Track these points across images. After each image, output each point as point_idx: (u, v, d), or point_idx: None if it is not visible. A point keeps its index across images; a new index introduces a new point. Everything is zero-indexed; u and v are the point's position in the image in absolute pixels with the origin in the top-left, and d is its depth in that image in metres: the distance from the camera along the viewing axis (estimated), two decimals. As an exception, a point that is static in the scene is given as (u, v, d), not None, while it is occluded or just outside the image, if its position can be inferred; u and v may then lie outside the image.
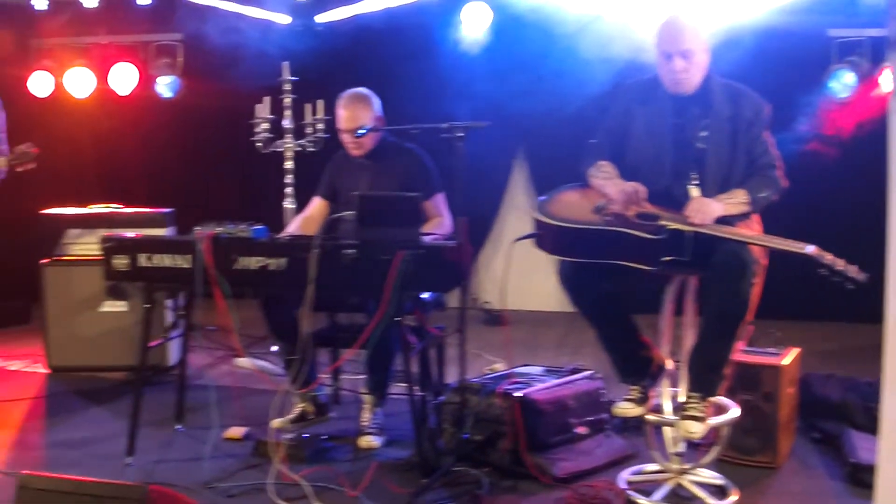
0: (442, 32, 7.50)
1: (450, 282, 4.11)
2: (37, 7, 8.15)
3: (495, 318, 7.62)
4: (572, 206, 3.98)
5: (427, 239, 4.11)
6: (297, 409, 4.64)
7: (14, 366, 6.60)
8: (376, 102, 4.90)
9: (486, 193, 7.94)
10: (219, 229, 4.12)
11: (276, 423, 4.50)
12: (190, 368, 5.11)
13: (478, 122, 4.34)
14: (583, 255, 3.86)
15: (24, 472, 3.23)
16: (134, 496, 2.99)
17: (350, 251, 3.92)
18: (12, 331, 7.73)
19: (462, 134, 4.20)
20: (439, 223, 4.74)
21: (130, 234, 4.54)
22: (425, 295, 4.49)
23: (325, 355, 4.94)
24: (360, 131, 4.63)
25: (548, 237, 3.92)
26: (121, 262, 4.31)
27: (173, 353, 6.15)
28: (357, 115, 4.79)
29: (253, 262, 4.06)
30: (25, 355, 6.84)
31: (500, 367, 5.77)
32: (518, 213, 8.20)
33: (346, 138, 4.86)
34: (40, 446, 4.83)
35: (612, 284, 3.91)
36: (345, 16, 7.58)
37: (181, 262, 4.18)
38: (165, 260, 4.22)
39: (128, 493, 3.02)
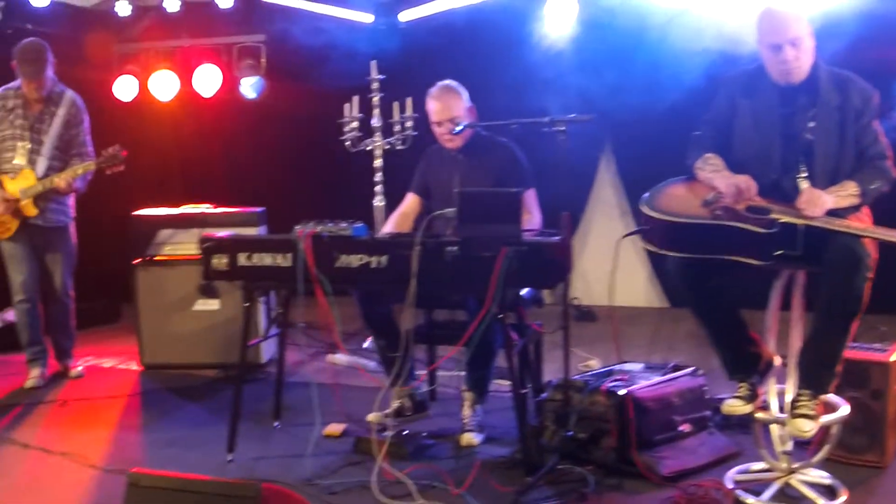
0: (528, 26, 7.44)
1: (552, 278, 4.04)
2: (120, 13, 8.29)
3: (585, 315, 7.53)
4: (680, 199, 3.90)
5: (529, 235, 4.05)
6: (395, 404, 4.62)
7: (107, 363, 6.70)
8: (466, 94, 4.87)
9: (573, 189, 7.85)
10: (319, 228, 4.11)
11: (372, 416, 4.48)
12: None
13: (569, 116, 4.26)
14: (692, 250, 3.77)
15: (133, 469, 3.23)
16: (248, 494, 2.97)
17: (452, 248, 3.88)
18: (102, 329, 7.86)
19: (563, 128, 4.12)
20: (529, 220, 4.68)
21: (227, 233, 4.56)
22: (523, 291, 4.45)
23: (421, 352, 4.92)
24: (457, 128, 4.59)
25: (656, 232, 3.84)
26: (220, 261, 4.33)
27: (266, 350, 6.21)
28: (449, 105, 4.78)
29: (354, 260, 4.04)
30: (117, 353, 6.95)
31: (594, 363, 5.72)
32: (605, 208, 8.10)
33: (439, 131, 4.83)
34: (139, 443, 4.89)
35: (721, 279, 3.82)
36: (428, 13, 7.57)
37: (281, 260, 4.18)
38: (266, 259, 4.23)
39: (242, 492, 2.99)
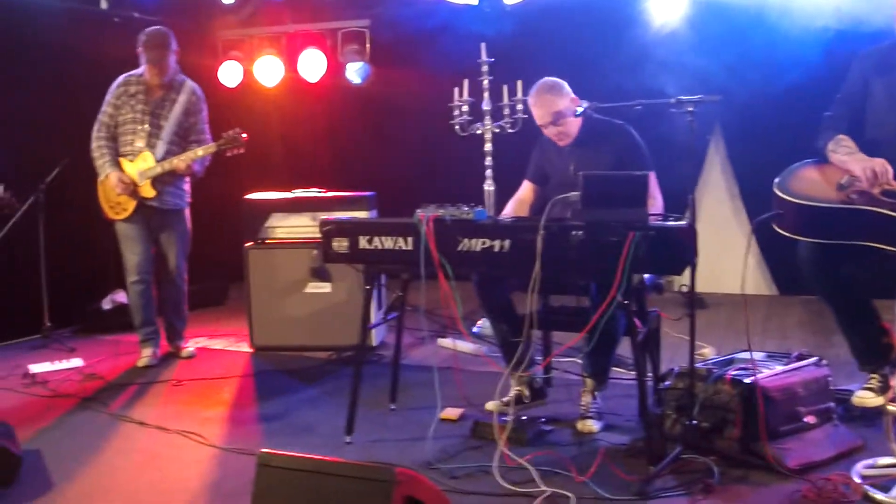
0: (639, 5, 7.33)
1: (679, 264, 3.93)
2: (225, 0, 8.38)
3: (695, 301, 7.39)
4: (813, 183, 3.79)
5: (655, 219, 3.97)
6: (513, 391, 4.59)
7: (217, 345, 6.82)
8: (564, 87, 4.75)
9: (683, 172, 7.73)
10: (441, 211, 4.08)
11: (491, 405, 4.46)
12: (392, 348, 5.12)
13: (695, 96, 4.13)
14: (825, 235, 3.67)
15: (263, 450, 3.25)
16: (382, 478, 2.96)
17: (577, 232, 3.82)
18: (211, 311, 8.03)
19: (692, 108, 4.01)
20: (651, 203, 4.58)
21: (347, 217, 4.57)
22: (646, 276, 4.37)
23: (536, 337, 4.87)
24: (578, 111, 4.50)
25: (788, 216, 3.74)
26: (340, 244, 4.35)
27: (377, 333, 6.24)
28: (548, 106, 4.69)
29: (476, 244, 4.01)
30: (227, 334, 7.09)
31: (707, 351, 5.60)
32: (714, 191, 7.95)
33: (548, 132, 4.77)
34: (255, 424, 4.93)
35: (854, 267, 3.71)
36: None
37: (403, 244, 4.17)
38: (387, 242, 4.22)
39: (376, 475, 2.98)
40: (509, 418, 4.16)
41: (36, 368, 6.10)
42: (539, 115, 4.73)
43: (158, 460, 4.38)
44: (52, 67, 7.56)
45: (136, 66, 6.24)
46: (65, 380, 5.87)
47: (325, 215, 4.97)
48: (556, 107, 4.68)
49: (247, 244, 6.48)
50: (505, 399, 4.52)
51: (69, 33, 7.58)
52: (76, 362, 6.29)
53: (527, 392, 4.60)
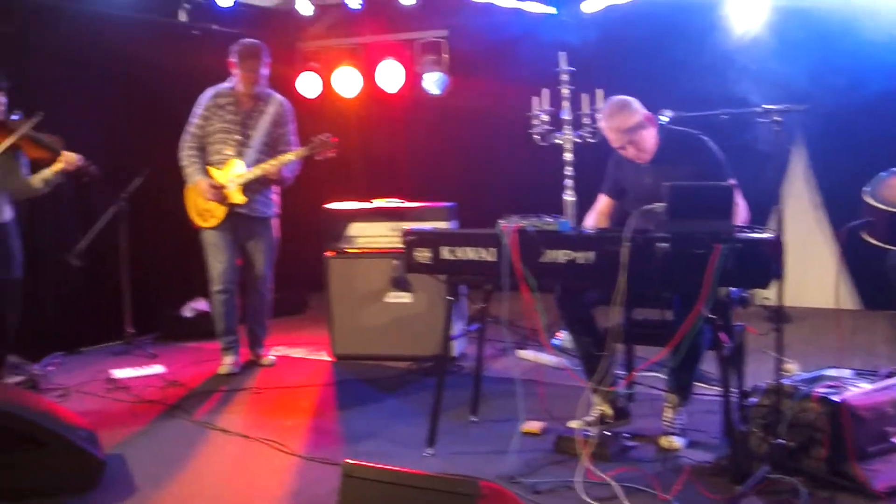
0: (719, 12, 7.23)
1: (766, 277, 3.84)
2: (302, 12, 8.50)
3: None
4: (906, 191, 3.68)
5: (742, 231, 3.90)
6: (596, 411, 4.52)
7: (297, 353, 6.87)
8: (633, 104, 4.61)
9: (764, 181, 7.60)
10: (524, 222, 4.06)
11: (574, 423, 4.41)
12: (472, 360, 5.10)
13: (782, 105, 4.05)
14: (921, 244, 3.55)
15: (347, 461, 3.26)
16: (467, 491, 2.96)
17: (663, 244, 3.76)
18: (291, 320, 8.10)
19: (780, 118, 3.93)
20: (735, 211, 4.48)
21: (429, 227, 4.58)
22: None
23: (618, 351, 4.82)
24: (663, 120, 4.43)
25: (880, 225, 3.64)
26: (423, 254, 4.35)
27: (457, 344, 6.24)
28: (620, 128, 4.56)
29: (560, 256, 3.98)
30: (306, 343, 7.15)
31: (792, 367, 5.47)
32: (796, 202, 7.78)
33: (626, 153, 4.66)
34: (336, 433, 4.96)
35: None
36: (611, 2, 7.45)
37: (486, 255, 4.16)
38: (469, 253, 4.22)
39: (460, 488, 2.98)
40: (592, 433, 4.12)
41: (118, 374, 6.24)
42: (613, 139, 4.62)
43: (241, 468, 4.42)
44: (133, 79, 7.71)
45: (216, 77, 6.36)
46: (147, 386, 5.98)
47: (405, 225, 4.98)
48: (629, 125, 4.55)
49: (327, 253, 6.53)
50: (588, 419, 4.46)
51: (149, 46, 7.73)
52: (158, 369, 6.42)
53: (610, 412, 4.53)
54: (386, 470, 3.18)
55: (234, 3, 7.75)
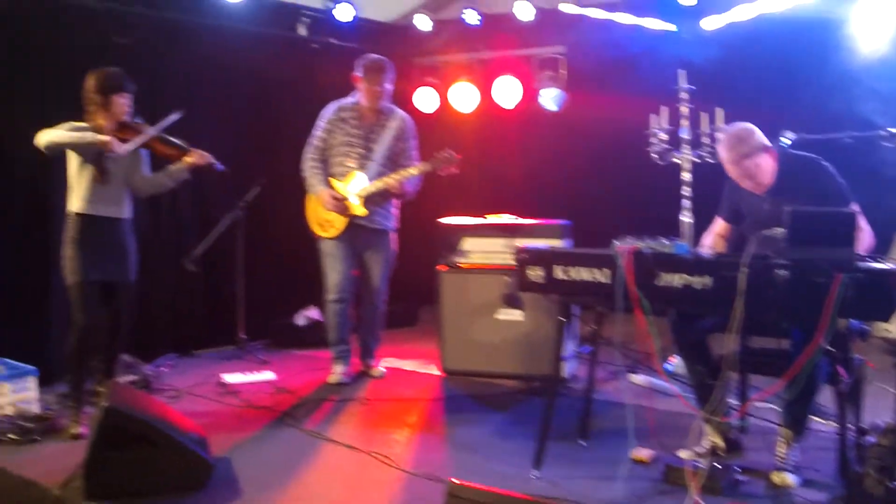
0: (842, 31, 6.99)
1: (888, 309, 3.64)
2: (420, 27, 8.55)
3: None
4: None
5: (864, 261, 3.75)
6: (707, 442, 4.40)
7: (408, 366, 6.89)
8: (754, 134, 4.45)
9: (888, 207, 7.33)
10: (640, 244, 3.98)
11: (684, 454, 4.30)
12: (582, 381, 5.02)
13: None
14: None
15: (452, 479, 3.25)
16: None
17: (782, 272, 3.64)
18: (402, 331, 8.15)
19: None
20: (858, 235, 4.30)
21: (543, 245, 4.53)
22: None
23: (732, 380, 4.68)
24: (784, 140, 4.28)
25: None
26: (535, 273, 4.29)
27: (568, 365, 6.16)
28: (739, 159, 4.42)
29: (676, 279, 3.88)
30: (417, 356, 7.17)
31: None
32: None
33: (745, 185, 4.53)
34: (443, 449, 4.94)
35: None
36: (732, 20, 7.29)
37: (600, 276, 4.08)
38: (583, 273, 4.14)
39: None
40: (702, 464, 4.00)
41: (229, 378, 6.37)
42: (731, 171, 4.51)
43: (346, 479, 4.45)
44: (252, 91, 7.92)
45: (334, 90, 6.46)
46: (257, 391, 6.09)
47: (518, 241, 4.93)
48: (747, 159, 4.41)
49: (440, 267, 6.54)
50: (698, 449, 4.34)
51: (269, 59, 7.91)
52: (268, 375, 6.52)
53: (722, 444, 4.40)
54: (491, 492, 3.15)
55: (354, 17, 7.84)
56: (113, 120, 5.18)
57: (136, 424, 4.19)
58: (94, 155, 5.10)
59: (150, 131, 5.26)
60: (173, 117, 5.32)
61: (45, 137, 5.03)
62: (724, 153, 4.48)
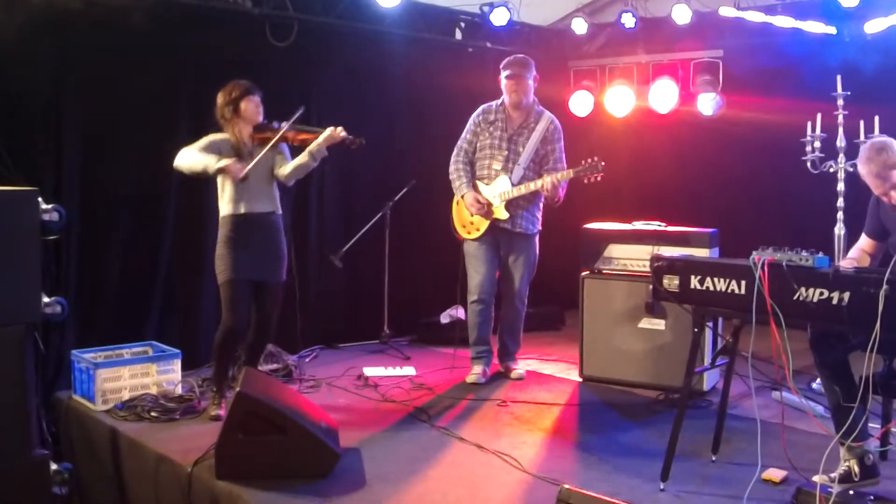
0: None
1: None
2: (576, 31, 8.56)
3: None
4: None
5: None
6: (843, 466, 4.20)
7: (547, 369, 6.88)
8: (893, 147, 4.24)
9: None
10: (778, 255, 3.85)
11: (818, 478, 4.13)
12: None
13: None
14: None
15: (565, 485, 3.23)
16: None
17: (926, 290, 3.45)
18: (544, 335, 8.12)
19: None
20: None
21: (679, 254, 4.45)
22: None
23: (876, 404, 4.45)
24: None
25: None
26: (671, 282, 4.23)
27: (709, 378, 6.04)
28: (880, 172, 4.23)
29: (813, 294, 3.74)
30: (557, 360, 7.15)
31: None
32: None
33: (885, 199, 4.34)
34: (571, 455, 4.91)
35: None
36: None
37: (735, 287, 3.99)
38: (719, 284, 4.05)
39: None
40: (836, 490, 3.84)
41: (369, 372, 6.51)
42: (872, 185, 4.32)
43: (471, 477, 4.49)
44: (407, 94, 8.08)
45: (487, 93, 6.49)
46: (395, 386, 6.20)
47: (665, 249, 4.85)
48: (888, 172, 4.22)
49: (583, 272, 6.50)
50: (833, 475, 4.16)
51: (426, 62, 8.06)
52: (409, 370, 6.64)
53: (857, 469, 4.19)
54: (601, 499, 3.12)
55: (509, 21, 7.89)
56: (248, 125, 5.39)
57: (266, 410, 4.36)
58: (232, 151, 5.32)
59: (284, 128, 5.40)
60: (298, 113, 5.45)
61: (177, 160, 5.32)
62: (864, 166, 4.30)
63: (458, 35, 8.31)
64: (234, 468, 4.31)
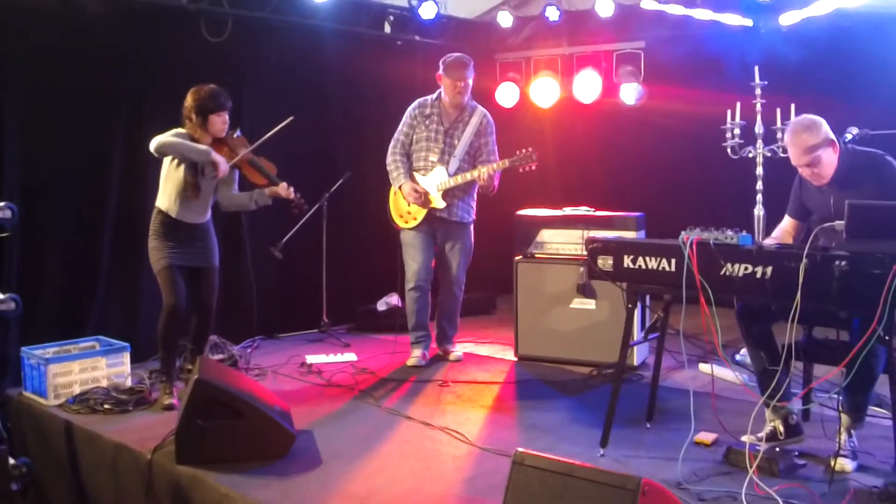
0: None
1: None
2: (502, 24, 8.82)
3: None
4: None
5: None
6: (769, 426, 4.55)
7: (483, 351, 7.15)
8: (822, 127, 4.54)
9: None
10: (705, 235, 4.14)
11: (745, 438, 4.45)
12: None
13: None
14: None
15: (518, 449, 3.45)
16: (628, 486, 3.10)
17: (841, 263, 3.76)
18: (479, 319, 8.40)
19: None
20: None
21: (612, 236, 4.71)
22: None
23: (798, 371, 4.79)
24: (848, 135, 4.39)
25: None
26: (605, 262, 4.50)
27: (639, 353, 6.36)
28: (801, 148, 4.52)
29: (739, 270, 4.04)
30: (493, 342, 7.42)
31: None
32: None
33: (803, 172, 4.64)
34: (513, 428, 5.17)
35: None
36: (811, 15, 7.30)
37: (666, 265, 4.27)
38: (650, 262, 4.33)
39: (622, 483, 3.13)
40: (762, 447, 4.15)
41: (312, 359, 6.69)
42: (794, 155, 4.61)
43: (421, 452, 4.72)
44: (340, 88, 8.24)
45: (417, 86, 6.71)
46: (338, 371, 6.38)
47: (594, 233, 5.13)
48: (810, 148, 4.51)
49: (517, 257, 6.76)
50: (759, 434, 4.48)
51: (355, 56, 8.22)
52: (350, 357, 6.82)
53: (782, 428, 4.53)
54: (553, 460, 3.35)
55: (437, 14, 8.08)
56: (209, 137, 5.53)
57: (224, 396, 4.51)
58: (192, 166, 5.45)
59: (243, 154, 5.57)
60: (286, 122, 5.67)
61: (161, 144, 5.39)
62: (790, 138, 4.59)
63: (388, 28, 8.47)
64: (194, 453, 4.44)
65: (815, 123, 4.53)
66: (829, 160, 4.50)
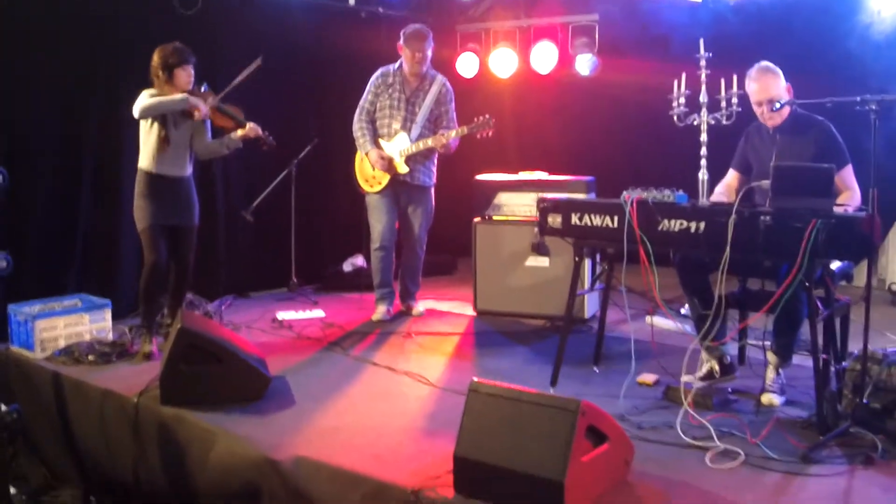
0: (862, 3, 7.45)
1: (859, 252, 4.27)
2: (463, -5, 9.11)
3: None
4: None
5: (838, 209, 4.31)
6: (706, 366, 5.02)
7: (444, 307, 7.57)
8: (781, 74, 5.05)
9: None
10: (645, 194, 4.59)
11: (685, 377, 4.90)
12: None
13: (880, 95, 4.28)
14: None
15: (474, 378, 3.87)
16: (569, 407, 3.52)
17: (766, 217, 4.22)
18: (440, 279, 8.84)
19: (875, 108, 4.23)
20: (850, 196, 4.85)
21: (562, 196, 5.13)
22: (835, 265, 4.70)
23: (735, 318, 5.30)
24: (777, 105, 4.86)
25: None
26: (555, 220, 4.95)
27: (589, 307, 6.81)
28: (767, 86, 5.01)
29: (675, 225, 4.49)
30: (453, 299, 7.85)
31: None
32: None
33: (759, 110, 5.10)
34: (470, 371, 5.55)
35: None
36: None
37: (609, 222, 4.73)
38: (595, 220, 4.79)
39: (565, 405, 3.55)
40: (697, 384, 4.61)
41: (283, 315, 7.06)
42: (755, 91, 5.06)
43: (387, 393, 5.13)
44: (306, 59, 8.53)
45: (381, 56, 7.06)
46: (308, 326, 6.77)
47: (547, 195, 5.54)
48: (774, 89, 4.99)
49: (476, 219, 7.18)
50: (697, 374, 4.96)
51: (321, 28, 8.52)
52: (318, 313, 7.20)
53: (717, 367, 4.99)
54: (505, 387, 3.76)
55: (399, -14, 8.39)
56: (177, 90, 5.83)
57: (205, 343, 4.89)
58: (161, 119, 5.76)
59: (211, 102, 5.90)
60: (254, 66, 6.02)
61: (141, 105, 5.67)
62: (756, 74, 5.08)
63: (352, 1, 8.75)
64: (178, 395, 4.81)
65: (778, 69, 5.03)
66: (786, 106, 4.97)
